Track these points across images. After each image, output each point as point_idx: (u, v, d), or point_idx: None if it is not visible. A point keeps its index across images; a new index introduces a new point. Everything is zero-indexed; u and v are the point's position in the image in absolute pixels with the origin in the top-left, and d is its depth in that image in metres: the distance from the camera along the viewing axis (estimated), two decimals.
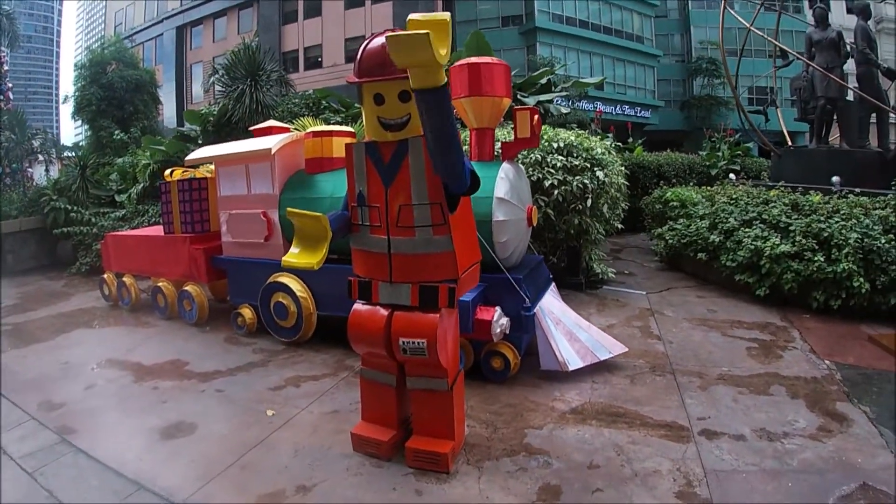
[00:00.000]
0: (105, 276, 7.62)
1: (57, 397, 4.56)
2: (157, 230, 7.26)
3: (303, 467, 3.40)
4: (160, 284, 6.78)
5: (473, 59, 4.72)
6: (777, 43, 12.04)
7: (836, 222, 6.49)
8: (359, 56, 3.08)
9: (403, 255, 3.17)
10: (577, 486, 3.17)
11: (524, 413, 4.04)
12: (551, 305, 4.92)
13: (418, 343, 3.13)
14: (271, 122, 6.51)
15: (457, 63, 4.71)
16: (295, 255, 3.12)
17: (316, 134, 5.75)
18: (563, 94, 13.56)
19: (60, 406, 4.41)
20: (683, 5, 43.35)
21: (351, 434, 3.53)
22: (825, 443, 3.61)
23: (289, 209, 3.18)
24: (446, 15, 2.57)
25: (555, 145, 6.80)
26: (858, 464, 3.37)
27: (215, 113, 11.84)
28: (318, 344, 5.56)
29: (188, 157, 6.53)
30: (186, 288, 6.49)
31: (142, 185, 10.90)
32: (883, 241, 6.10)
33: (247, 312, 6.01)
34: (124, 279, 7.27)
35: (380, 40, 3.00)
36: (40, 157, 16.20)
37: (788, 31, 21.02)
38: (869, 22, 10.31)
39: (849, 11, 27.32)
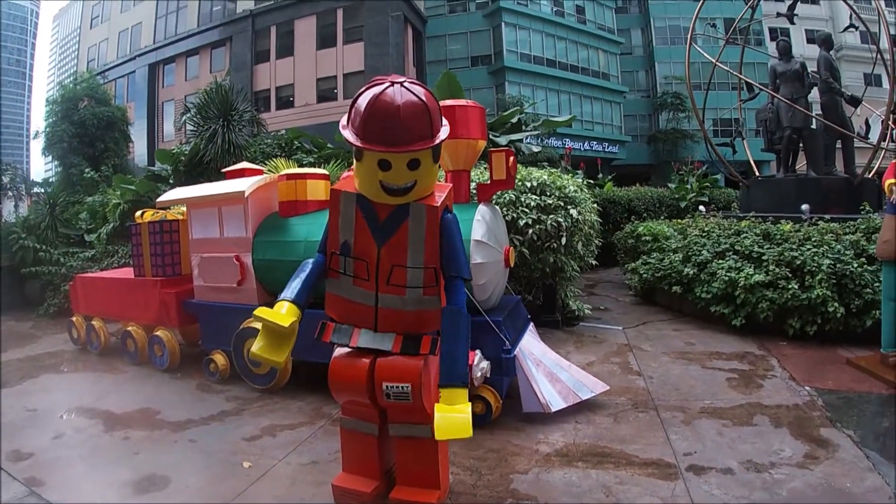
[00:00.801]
0: (74, 318, 7.41)
1: (25, 447, 4.36)
2: (128, 272, 7.10)
3: None
4: (130, 328, 6.59)
5: (449, 102, 4.73)
6: (742, 76, 12.37)
7: (808, 249, 6.61)
8: (363, 115, 2.75)
9: (392, 309, 3.08)
10: None
11: (508, 457, 3.96)
12: (531, 346, 4.88)
13: (402, 387, 3.03)
14: (244, 164, 6.44)
15: None
16: (261, 349, 2.95)
17: (290, 177, 5.69)
18: (534, 132, 13.76)
19: (29, 456, 4.21)
20: (647, 42, 44.75)
21: (332, 486, 3.38)
22: (812, 470, 3.60)
23: (255, 312, 3.02)
24: (468, 423, 2.71)
25: (528, 184, 6.84)
26: (847, 488, 3.37)
27: (187, 153, 11.75)
28: (294, 391, 5.41)
29: (160, 199, 6.43)
30: (157, 333, 6.33)
31: (112, 225, 10.71)
32: (855, 265, 6.22)
33: (219, 358, 5.85)
34: (93, 322, 7.08)
35: (394, 99, 2.71)
36: (10, 193, 16.02)
37: (751, 63, 21.62)
38: (831, 51, 10.65)
39: (810, 42, 28.36)
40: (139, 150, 33.77)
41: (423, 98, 2.78)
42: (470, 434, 2.69)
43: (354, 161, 2.96)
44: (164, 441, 4.47)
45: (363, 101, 2.77)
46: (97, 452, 4.30)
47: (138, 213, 6.95)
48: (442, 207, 3.03)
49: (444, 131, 2.92)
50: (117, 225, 10.57)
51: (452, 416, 2.71)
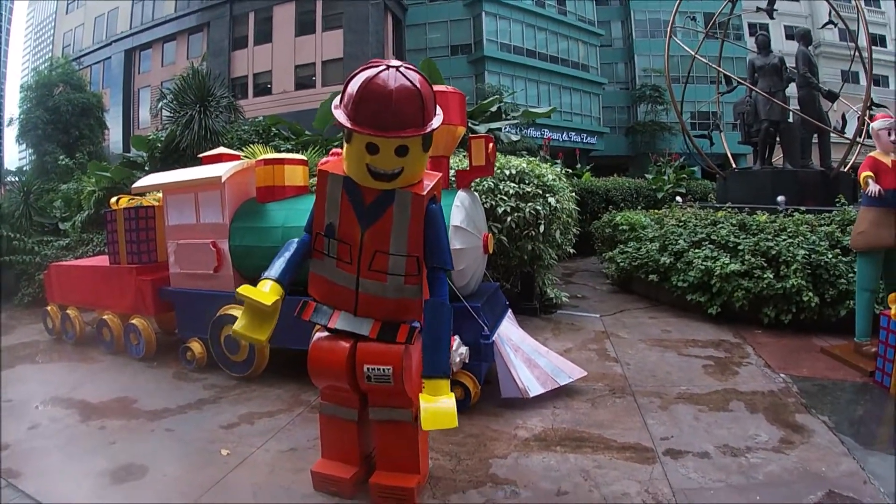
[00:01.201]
0: (48, 307, 7.27)
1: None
2: (103, 260, 6.97)
3: None
4: (105, 317, 6.49)
5: None
6: (721, 69, 12.46)
7: (784, 240, 6.69)
8: (355, 95, 2.71)
9: (372, 295, 3.07)
10: None
11: (487, 442, 3.97)
12: (509, 332, 4.90)
13: (384, 370, 3.03)
14: (221, 150, 6.34)
15: None
16: (244, 328, 2.93)
17: (267, 162, 5.63)
18: (514, 121, 13.77)
19: (4, 448, 4.14)
20: (627, 35, 44.98)
21: (311, 472, 3.38)
22: (788, 454, 3.67)
23: (238, 290, 2.97)
24: (453, 414, 2.75)
25: (507, 172, 6.85)
26: (823, 472, 3.43)
27: (163, 139, 11.55)
28: (272, 378, 5.38)
29: (135, 185, 6.31)
30: (133, 321, 6.23)
31: (87, 212, 10.53)
32: (830, 256, 6.31)
33: (196, 346, 5.78)
34: (68, 311, 6.96)
35: (388, 83, 2.68)
36: None
37: (730, 57, 21.79)
38: (809, 47, 10.77)
39: (789, 38, 28.65)
40: (114, 137, 33.29)
41: (418, 84, 2.74)
42: (455, 424, 2.71)
43: (344, 142, 2.93)
44: (140, 430, 4.41)
45: (356, 83, 2.73)
46: (73, 442, 4.23)
47: (113, 200, 6.83)
48: (429, 196, 3.00)
49: (437, 121, 2.88)
50: (92, 213, 10.39)
51: (438, 407, 2.74)
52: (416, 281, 3.03)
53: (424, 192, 2.97)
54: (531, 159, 7.76)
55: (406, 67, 2.77)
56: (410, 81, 2.72)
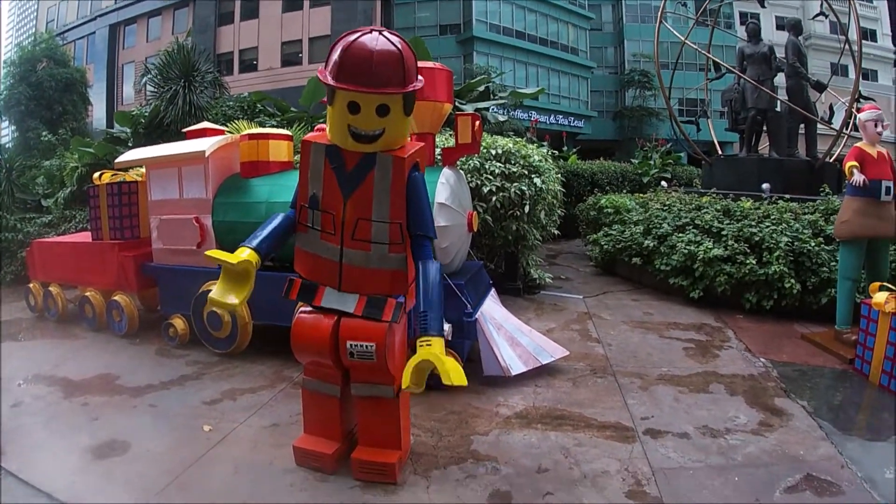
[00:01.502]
0: (31, 285, 7.18)
1: None
2: (85, 237, 6.88)
3: (244, 485, 3.24)
4: (88, 294, 6.43)
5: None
6: (710, 56, 12.46)
7: (767, 227, 6.72)
8: (338, 56, 2.78)
9: (356, 266, 3.07)
10: (527, 490, 3.14)
11: (469, 420, 4.00)
12: (493, 311, 4.91)
13: (367, 346, 3.03)
14: (205, 124, 6.27)
15: None
16: (219, 294, 2.93)
17: (252, 137, 5.59)
18: (501, 101, 13.73)
19: None
20: (618, 19, 44.80)
21: (293, 447, 3.39)
22: (767, 437, 3.72)
23: (206, 252, 2.99)
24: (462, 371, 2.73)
25: (493, 152, 6.83)
26: (801, 456, 3.48)
27: (147, 114, 11.43)
28: (255, 355, 5.36)
29: (118, 160, 6.23)
30: (115, 298, 6.18)
31: (69, 189, 10.40)
32: (812, 244, 6.35)
33: (179, 323, 5.75)
34: (51, 288, 6.87)
35: (370, 43, 2.75)
36: None
37: (720, 45, 21.78)
38: (799, 37, 10.78)
39: (779, 27, 28.66)
40: (98, 113, 32.81)
41: (399, 46, 2.81)
42: (465, 382, 2.71)
43: (328, 107, 2.95)
44: (123, 406, 4.39)
45: (340, 45, 2.80)
46: (56, 419, 4.20)
47: (96, 175, 6.74)
48: (410, 161, 3.02)
49: (419, 84, 2.92)
50: (75, 189, 10.28)
51: (453, 365, 2.72)
52: (401, 250, 3.03)
53: (406, 156, 2.99)
54: (518, 140, 7.75)
55: (389, 32, 2.85)
56: (392, 43, 2.80)
